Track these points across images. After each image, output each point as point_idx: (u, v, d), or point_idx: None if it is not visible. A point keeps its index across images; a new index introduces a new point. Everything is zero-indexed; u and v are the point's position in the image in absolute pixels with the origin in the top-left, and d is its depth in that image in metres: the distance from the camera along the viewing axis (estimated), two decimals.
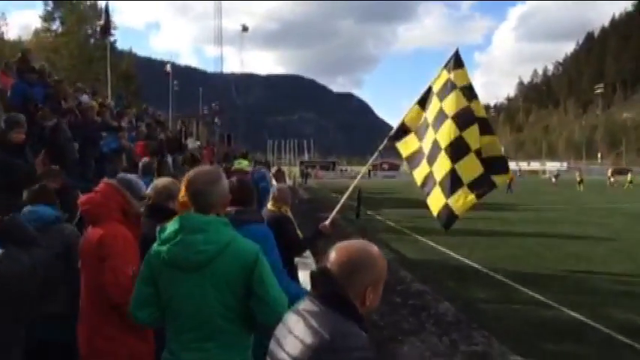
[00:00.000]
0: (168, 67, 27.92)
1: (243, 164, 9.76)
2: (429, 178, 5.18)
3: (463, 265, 11.20)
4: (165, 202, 3.48)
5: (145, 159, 6.99)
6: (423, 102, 5.37)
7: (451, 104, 5.14)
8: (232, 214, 3.09)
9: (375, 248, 1.73)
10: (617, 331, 6.68)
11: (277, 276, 2.50)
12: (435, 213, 5.26)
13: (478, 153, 5.03)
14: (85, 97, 10.11)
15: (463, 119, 5.06)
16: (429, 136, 5.19)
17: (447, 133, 5.08)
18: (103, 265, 2.82)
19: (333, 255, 1.68)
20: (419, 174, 5.27)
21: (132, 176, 3.45)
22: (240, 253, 2.29)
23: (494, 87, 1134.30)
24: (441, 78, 5.30)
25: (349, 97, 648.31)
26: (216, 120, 45.22)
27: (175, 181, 3.73)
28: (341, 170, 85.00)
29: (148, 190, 3.60)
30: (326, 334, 1.53)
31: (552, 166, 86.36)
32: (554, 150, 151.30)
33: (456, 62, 5.29)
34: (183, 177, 2.51)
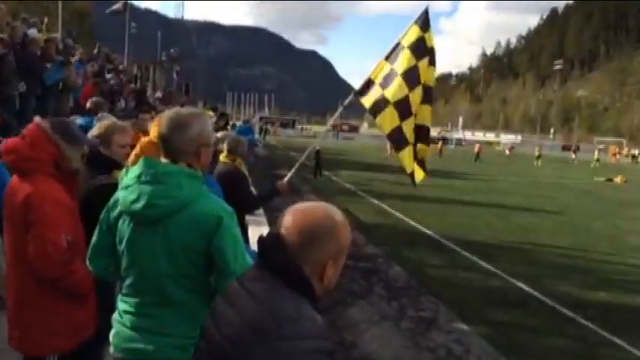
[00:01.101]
0: (119, 5, 26.15)
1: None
2: (398, 132, 5.09)
3: (416, 230, 11.28)
4: (100, 148, 3.13)
5: (96, 98, 6.41)
6: (389, 56, 5.20)
7: (425, 68, 5.08)
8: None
9: (338, 213, 1.45)
10: (561, 304, 6.85)
11: None
12: (408, 170, 5.29)
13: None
14: (32, 31, 9.33)
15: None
16: (398, 87, 5.04)
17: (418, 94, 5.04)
18: (26, 230, 2.44)
19: (288, 219, 1.40)
20: (383, 119, 5.12)
21: (69, 120, 3.02)
22: (200, 216, 1.97)
23: (457, 56, 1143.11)
24: (411, 33, 5.11)
25: (312, 54, 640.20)
26: (175, 67, 43.64)
27: (117, 122, 3.40)
28: (301, 128, 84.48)
29: (90, 135, 3.23)
30: (272, 317, 1.27)
31: (507, 138, 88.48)
32: (511, 123, 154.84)
33: (425, 22, 5.11)
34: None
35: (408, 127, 5.05)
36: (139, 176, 2.02)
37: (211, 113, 11.45)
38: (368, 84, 5.23)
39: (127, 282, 2.09)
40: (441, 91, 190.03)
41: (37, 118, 4.27)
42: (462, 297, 6.97)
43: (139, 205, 1.98)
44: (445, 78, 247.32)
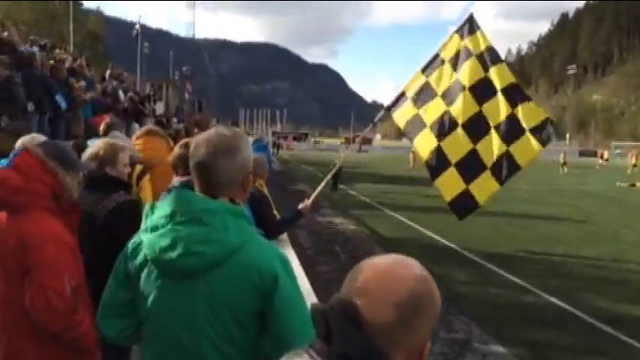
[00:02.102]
0: (137, 28, 26.59)
1: None
2: (437, 153, 4.68)
3: (437, 243, 10.94)
4: (100, 168, 2.92)
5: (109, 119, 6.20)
6: (425, 68, 4.87)
7: (467, 75, 4.66)
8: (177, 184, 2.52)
9: (425, 271, 1.05)
10: (599, 320, 6.47)
11: None
12: (448, 199, 4.78)
13: (497, 128, 4.58)
14: (33, 49, 9.24)
15: (481, 92, 4.60)
16: (436, 105, 4.71)
17: (464, 107, 4.61)
18: (23, 276, 2.07)
19: (369, 285, 0.98)
20: (420, 144, 4.74)
21: (64, 143, 2.74)
22: (252, 268, 1.56)
23: None
24: (451, 44, 4.80)
25: (323, 68, 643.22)
26: (187, 85, 43.91)
27: (118, 140, 3.20)
28: (314, 142, 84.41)
29: (84, 158, 2.94)
30: None
31: None
32: None
33: (471, 27, 4.78)
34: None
35: (482, 149, 4.56)
36: (172, 215, 1.60)
37: None
38: (399, 98, 4.94)
39: (153, 350, 1.68)
40: None
41: (21, 141, 3.58)
42: (494, 315, 6.64)
43: (174, 254, 1.56)
44: None
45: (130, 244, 1.70)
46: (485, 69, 4.63)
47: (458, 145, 4.57)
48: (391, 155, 53.23)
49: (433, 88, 4.73)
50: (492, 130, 4.59)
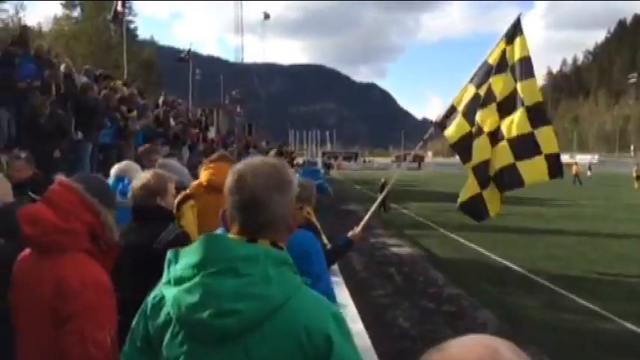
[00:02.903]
0: (186, 53, 27.45)
1: None
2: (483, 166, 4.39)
3: (499, 265, 10.30)
4: (152, 199, 2.79)
5: (143, 148, 6.11)
6: (475, 79, 4.52)
7: (500, 87, 4.36)
8: None
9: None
10: None
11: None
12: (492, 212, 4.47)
13: (511, 141, 4.26)
14: (82, 78, 9.42)
15: (507, 106, 4.30)
16: (489, 113, 4.37)
17: (492, 117, 4.32)
18: (59, 324, 1.85)
19: None
20: (478, 150, 4.42)
21: (101, 176, 2.58)
22: (299, 328, 1.26)
23: None
24: (497, 49, 4.44)
25: (372, 87, 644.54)
26: (238, 109, 44.71)
27: (160, 172, 3.03)
28: (364, 161, 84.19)
29: (133, 189, 2.86)
30: None
31: (582, 158, 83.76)
32: (585, 142, 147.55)
33: (515, 32, 4.41)
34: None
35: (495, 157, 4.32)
36: (201, 264, 1.30)
37: (272, 153, 11.07)
38: (449, 112, 4.59)
39: None
40: None
41: (117, 167, 3.96)
42: (568, 345, 6.12)
43: (204, 313, 1.26)
44: None
45: (150, 300, 1.40)
46: (516, 80, 4.32)
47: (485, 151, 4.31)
48: (445, 172, 52.08)
49: (483, 98, 4.41)
50: (505, 142, 4.27)
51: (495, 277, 9.34)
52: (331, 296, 2.26)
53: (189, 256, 1.33)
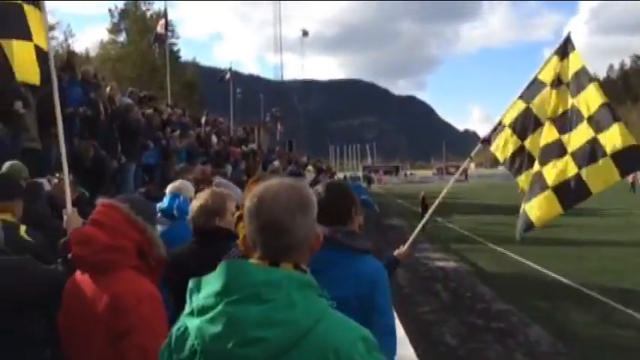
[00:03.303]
0: (228, 75, 28.30)
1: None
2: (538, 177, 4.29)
3: (550, 279, 10.00)
4: (210, 220, 2.81)
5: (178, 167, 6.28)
6: (524, 95, 4.46)
7: (557, 103, 4.27)
8: (338, 236, 2.07)
9: None
10: None
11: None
12: (537, 223, 4.35)
13: (573, 154, 4.12)
14: (124, 99, 9.75)
15: (562, 123, 4.19)
16: (546, 131, 4.28)
17: (549, 133, 4.23)
18: (114, 341, 1.89)
19: None
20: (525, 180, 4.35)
21: (143, 196, 2.66)
22: (331, 349, 1.21)
23: None
24: (550, 66, 4.37)
25: (411, 99, 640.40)
26: (278, 126, 45.25)
27: (218, 191, 3.07)
28: (405, 175, 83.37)
29: (192, 210, 2.89)
30: None
31: None
32: None
33: (567, 49, 4.34)
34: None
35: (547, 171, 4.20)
36: (223, 292, 1.27)
37: (310, 168, 11.15)
38: (496, 128, 4.53)
39: None
40: None
41: (172, 185, 4.13)
42: None
43: (228, 343, 1.22)
44: None
45: (174, 332, 1.36)
46: (573, 96, 4.19)
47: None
48: (489, 183, 51.02)
49: (536, 115, 4.31)
50: (568, 156, 4.12)
51: (546, 291, 9.08)
52: (393, 334, 2.14)
53: (211, 285, 1.31)
